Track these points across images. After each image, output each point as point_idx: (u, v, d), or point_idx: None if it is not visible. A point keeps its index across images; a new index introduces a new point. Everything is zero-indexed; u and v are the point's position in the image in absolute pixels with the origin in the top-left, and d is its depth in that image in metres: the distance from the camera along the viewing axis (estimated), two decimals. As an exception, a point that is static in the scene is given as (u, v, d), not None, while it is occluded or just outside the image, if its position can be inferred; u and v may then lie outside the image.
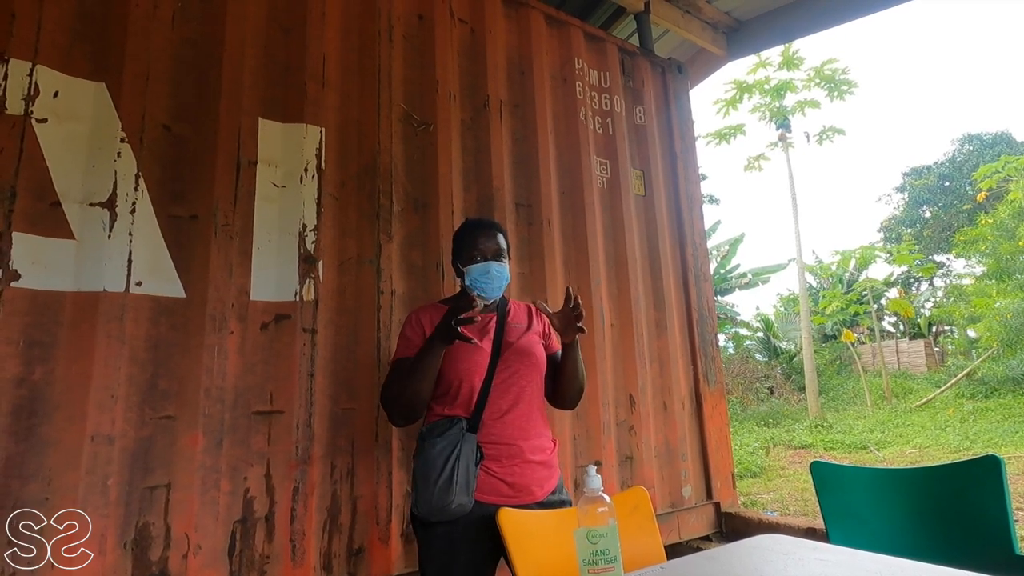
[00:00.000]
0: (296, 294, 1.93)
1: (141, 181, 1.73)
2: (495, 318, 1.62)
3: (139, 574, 1.55)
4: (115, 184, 1.69)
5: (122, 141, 1.72)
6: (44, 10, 1.67)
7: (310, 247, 1.98)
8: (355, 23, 2.28)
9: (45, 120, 1.63)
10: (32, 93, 1.61)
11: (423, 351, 1.46)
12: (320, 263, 1.99)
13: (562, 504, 1.55)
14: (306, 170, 2.03)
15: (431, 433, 1.49)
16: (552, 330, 1.67)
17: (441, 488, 1.39)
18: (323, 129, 2.09)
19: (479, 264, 1.56)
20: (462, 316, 1.37)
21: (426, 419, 1.56)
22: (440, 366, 1.48)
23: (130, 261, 1.67)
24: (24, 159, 1.57)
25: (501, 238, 1.62)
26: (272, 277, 1.90)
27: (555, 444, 1.63)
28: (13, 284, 1.51)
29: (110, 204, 1.67)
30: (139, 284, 1.68)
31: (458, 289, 1.71)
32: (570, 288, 1.48)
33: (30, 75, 1.62)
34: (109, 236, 1.65)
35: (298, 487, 1.82)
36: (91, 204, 1.65)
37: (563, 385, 1.63)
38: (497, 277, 1.57)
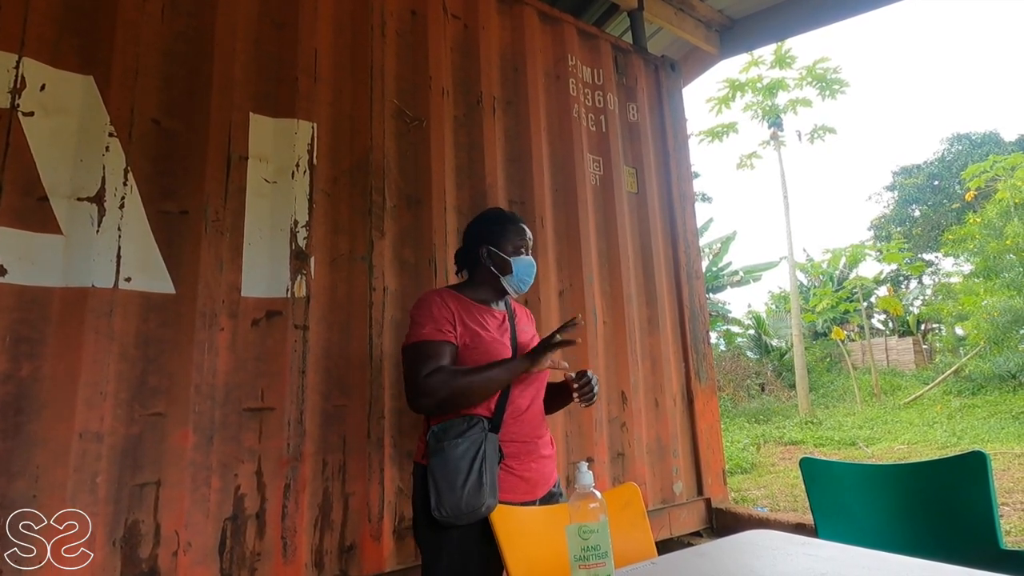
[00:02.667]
0: (288, 290, 1.92)
1: (130, 176, 1.71)
2: (507, 316, 1.60)
3: (128, 572, 1.54)
4: (103, 179, 1.67)
5: (111, 135, 1.70)
6: (31, 2, 1.64)
7: (302, 243, 1.97)
8: (348, 18, 2.26)
9: (32, 113, 1.60)
10: (19, 86, 1.59)
11: (502, 369, 1.44)
12: (312, 259, 1.98)
13: (561, 496, 1.57)
14: (298, 166, 2.01)
15: (448, 434, 1.40)
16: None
17: (471, 491, 1.35)
18: (315, 124, 2.07)
19: (527, 257, 1.59)
20: (563, 336, 1.40)
21: (437, 418, 1.47)
22: (463, 364, 1.46)
23: (119, 257, 1.66)
24: (10, 153, 1.55)
25: None
26: (263, 273, 1.89)
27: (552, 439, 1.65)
28: (-1, 280, 1.49)
29: (98, 199, 1.66)
30: (128, 280, 1.66)
31: (463, 276, 1.65)
32: (582, 373, 1.53)
33: (16, 67, 1.60)
34: (97, 231, 1.64)
35: (289, 484, 1.81)
36: (79, 199, 1.64)
37: (552, 406, 1.67)
38: (534, 273, 1.63)
